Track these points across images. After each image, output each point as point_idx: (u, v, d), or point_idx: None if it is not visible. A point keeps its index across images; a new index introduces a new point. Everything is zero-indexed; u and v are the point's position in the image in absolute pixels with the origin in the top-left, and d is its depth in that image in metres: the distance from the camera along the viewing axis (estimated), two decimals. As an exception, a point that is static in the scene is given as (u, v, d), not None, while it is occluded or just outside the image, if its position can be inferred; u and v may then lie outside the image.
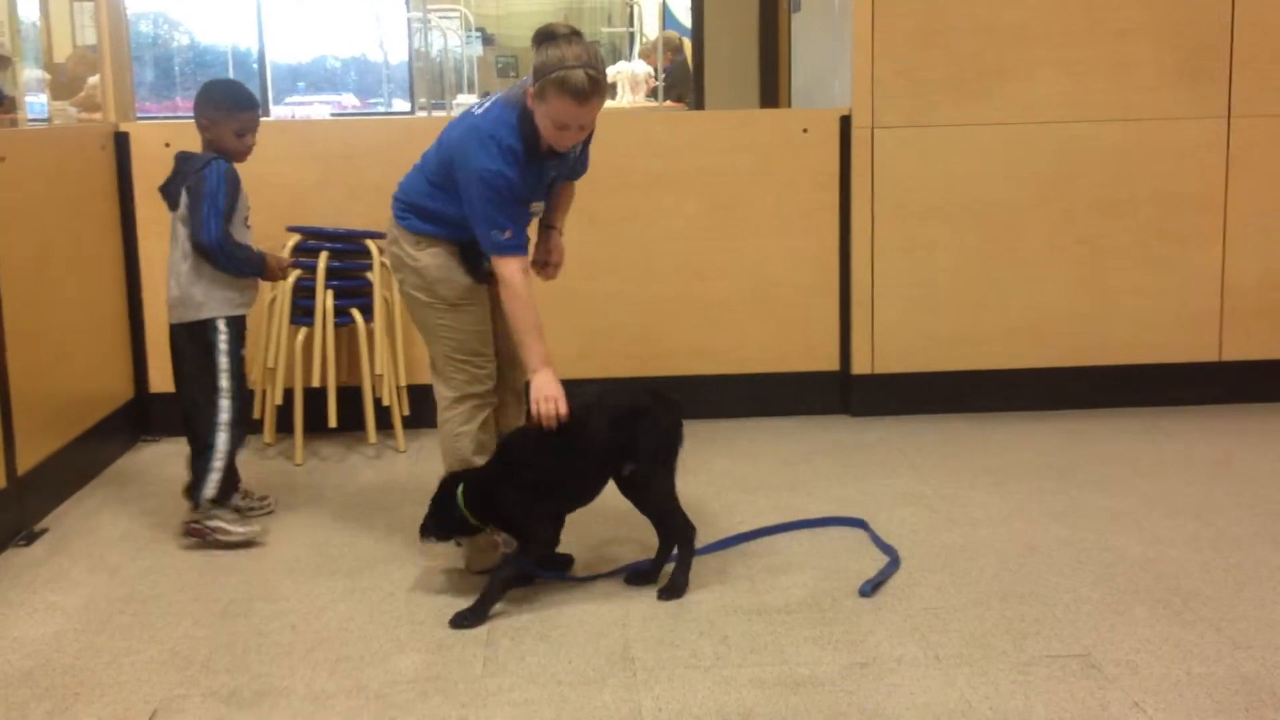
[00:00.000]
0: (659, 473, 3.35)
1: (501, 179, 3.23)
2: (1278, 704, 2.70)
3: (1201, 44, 4.94)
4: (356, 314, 4.62)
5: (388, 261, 3.65)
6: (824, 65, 5.47)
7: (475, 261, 3.45)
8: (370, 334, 4.64)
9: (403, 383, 4.79)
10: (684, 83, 8.68)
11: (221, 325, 3.81)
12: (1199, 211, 5.03)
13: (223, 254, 3.74)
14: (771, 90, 7.09)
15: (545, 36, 3.21)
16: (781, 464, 4.51)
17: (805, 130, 4.96)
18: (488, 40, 11.47)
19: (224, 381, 3.82)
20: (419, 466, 4.56)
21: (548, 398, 3.26)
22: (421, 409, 4.87)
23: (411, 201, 3.48)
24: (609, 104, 8.43)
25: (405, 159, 4.84)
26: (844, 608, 3.23)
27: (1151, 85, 4.95)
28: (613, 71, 8.86)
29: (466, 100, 8.33)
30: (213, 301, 3.80)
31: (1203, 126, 4.99)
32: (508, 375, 3.63)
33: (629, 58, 9.51)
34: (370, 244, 4.70)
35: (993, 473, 4.34)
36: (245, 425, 3.96)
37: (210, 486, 3.76)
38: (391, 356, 4.72)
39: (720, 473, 4.40)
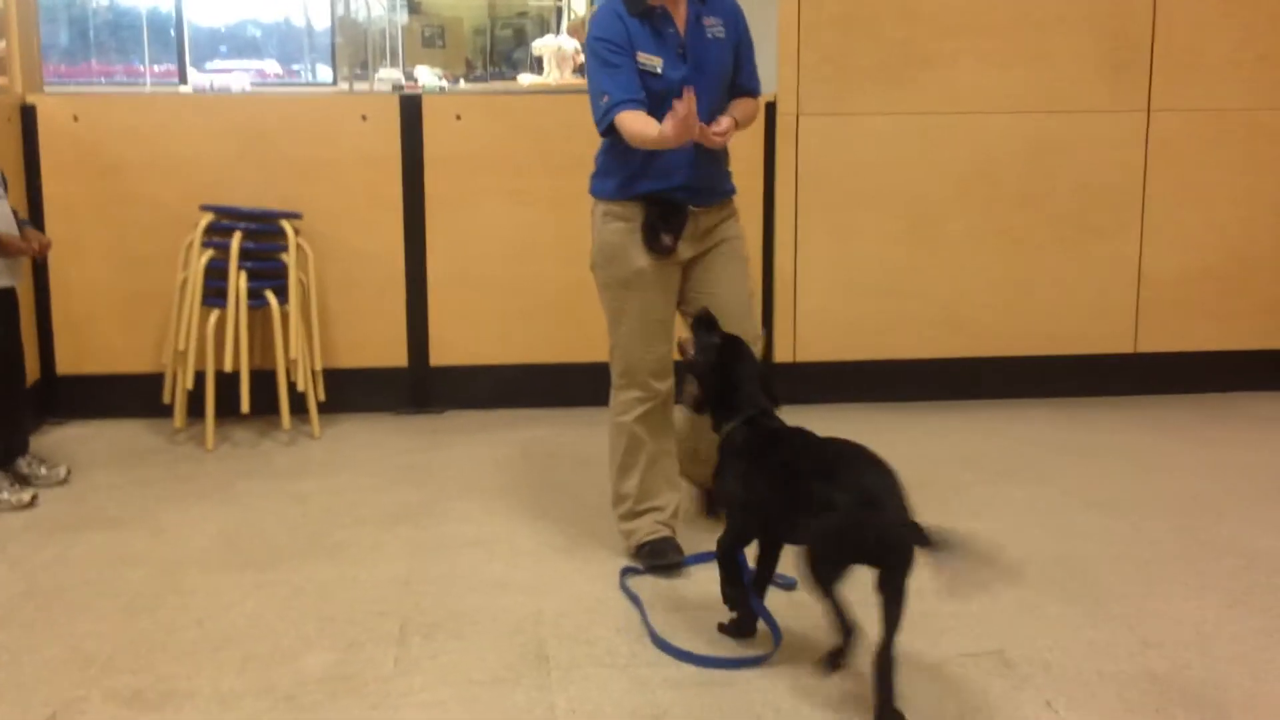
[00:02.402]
0: (808, 570, 2.70)
1: (601, 43, 3.28)
2: (1187, 703, 2.73)
3: (1123, 37, 4.98)
4: (271, 296, 4.52)
5: None
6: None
7: (654, 232, 3.34)
8: (285, 317, 4.54)
9: (318, 367, 4.70)
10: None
11: None
12: (1117, 204, 5.07)
13: None
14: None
15: None
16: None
17: (730, 115, 4.92)
18: (413, 8, 11.29)
19: None
20: (334, 453, 4.48)
21: (672, 127, 3.06)
22: (338, 393, 4.82)
23: (596, 165, 3.49)
24: (534, 80, 8.35)
25: (327, 136, 4.81)
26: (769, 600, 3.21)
27: (1073, 77, 4.98)
28: (539, 46, 8.76)
29: (389, 74, 8.17)
30: None
31: (1123, 119, 5.02)
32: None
33: (556, 33, 9.39)
34: (285, 224, 4.61)
35: (908, 464, 4.32)
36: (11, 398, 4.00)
37: None
38: (307, 340, 4.64)
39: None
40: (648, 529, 3.48)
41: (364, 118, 4.83)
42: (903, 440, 4.62)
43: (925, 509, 3.87)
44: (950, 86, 4.93)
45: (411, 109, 4.85)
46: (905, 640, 2.99)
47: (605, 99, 3.25)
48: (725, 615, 3.10)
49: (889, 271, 5.02)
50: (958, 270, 5.05)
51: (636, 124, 3.20)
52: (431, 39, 11.85)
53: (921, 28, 4.91)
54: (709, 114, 3.29)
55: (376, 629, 3.07)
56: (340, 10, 10.20)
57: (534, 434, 4.71)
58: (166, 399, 4.66)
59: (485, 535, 3.68)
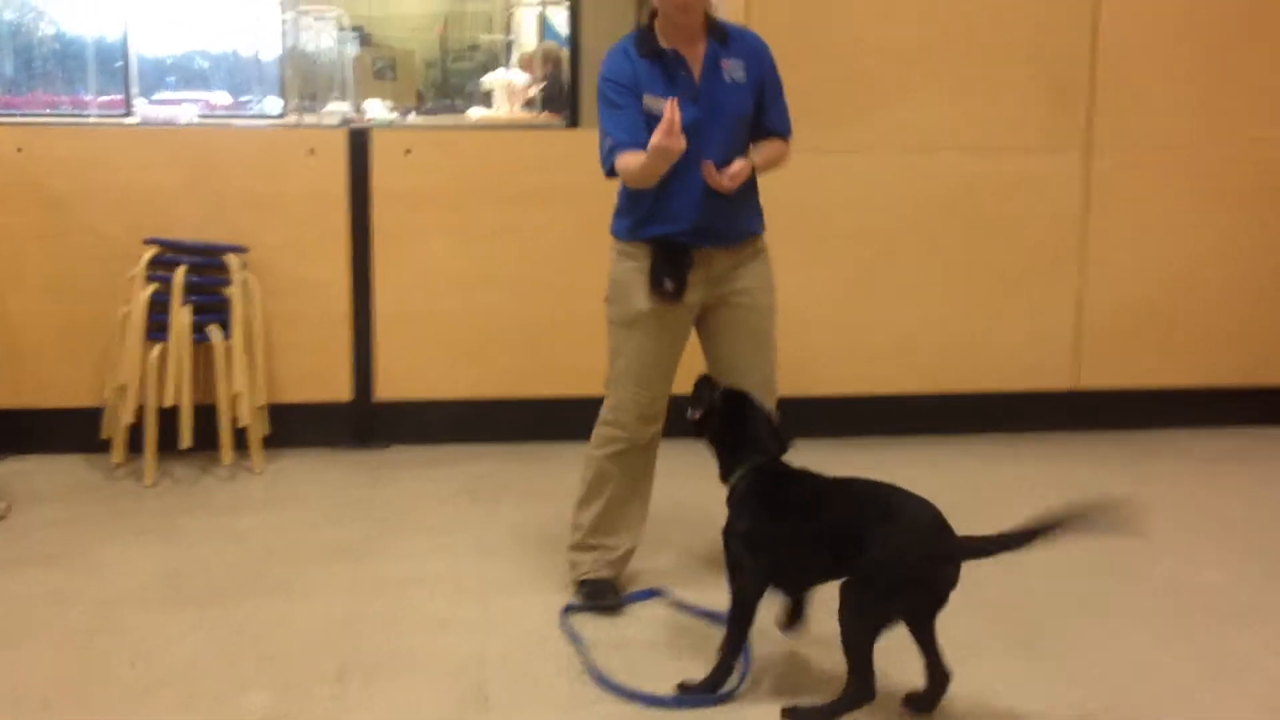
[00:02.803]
0: (860, 606, 2.74)
1: (607, 83, 3.24)
2: (1122, 742, 2.76)
3: (1065, 76, 5.06)
4: (214, 330, 4.48)
5: None
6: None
7: (658, 277, 3.30)
8: (229, 351, 4.50)
9: (261, 401, 4.67)
10: (562, 95, 8.62)
11: None
12: (1060, 241, 5.14)
13: None
14: (648, 107, 7.08)
15: None
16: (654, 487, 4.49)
17: (678, 152, 4.95)
18: (365, 40, 11.26)
19: None
20: (276, 489, 4.44)
21: (660, 140, 2.97)
22: (281, 428, 4.78)
23: (617, 199, 3.44)
24: (484, 114, 8.36)
25: (274, 170, 4.79)
26: (708, 640, 3.20)
27: (1018, 116, 5.05)
28: (489, 80, 8.78)
29: (338, 107, 8.14)
30: None
31: (1065, 157, 5.10)
32: None
33: (506, 67, 9.42)
34: (231, 258, 4.58)
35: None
36: None
37: None
38: (250, 374, 4.60)
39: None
40: (589, 566, 3.48)
41: (312, 151, 4.81)
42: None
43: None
44: (897, 124, 4.97)
45: (360, 143, 4.85)
46: (839, 676, 3.02)
47: (608, 140, 3.23)
48: (669, 651, 3.10)
49: (837, 307, 5.05)
50: (905, 306, 5.09)
51: (629, 160, 3.16)
52: (382, 71, 11.83)
53: (869, 66, 4.96)
54: (723, 157, 3.25)
55: (315, 668, 3.04)
56: (289, 41, 10.13)
57: (479, 469, 4.69)
58: (106, 434, 4.60)
59: (428, 573, 3.66)
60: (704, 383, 3.15)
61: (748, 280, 3.42)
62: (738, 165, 3.23)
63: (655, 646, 3.18)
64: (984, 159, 5.05)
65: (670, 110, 2.97)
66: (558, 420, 5.02)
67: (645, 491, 3.54)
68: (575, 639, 3.20)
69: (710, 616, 3.31)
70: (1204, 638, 3.28)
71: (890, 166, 4.99)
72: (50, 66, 11.60)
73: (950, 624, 3.29)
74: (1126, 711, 2.88)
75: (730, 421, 3.03)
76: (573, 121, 7.19)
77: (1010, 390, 5.19)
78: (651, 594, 3.51)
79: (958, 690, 2.94)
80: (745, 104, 3.36)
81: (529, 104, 8.66)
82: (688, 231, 3.30)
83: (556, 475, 4.61)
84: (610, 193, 4.89)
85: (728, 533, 2.97)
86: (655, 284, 3.31)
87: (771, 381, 3.47)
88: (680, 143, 2.99)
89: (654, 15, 3.30)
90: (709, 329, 3.45)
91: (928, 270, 5.09)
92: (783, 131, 3.49)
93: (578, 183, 4.93)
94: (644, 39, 3.28)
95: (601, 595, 3.43)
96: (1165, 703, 2.92)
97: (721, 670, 2.93)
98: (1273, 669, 3.09)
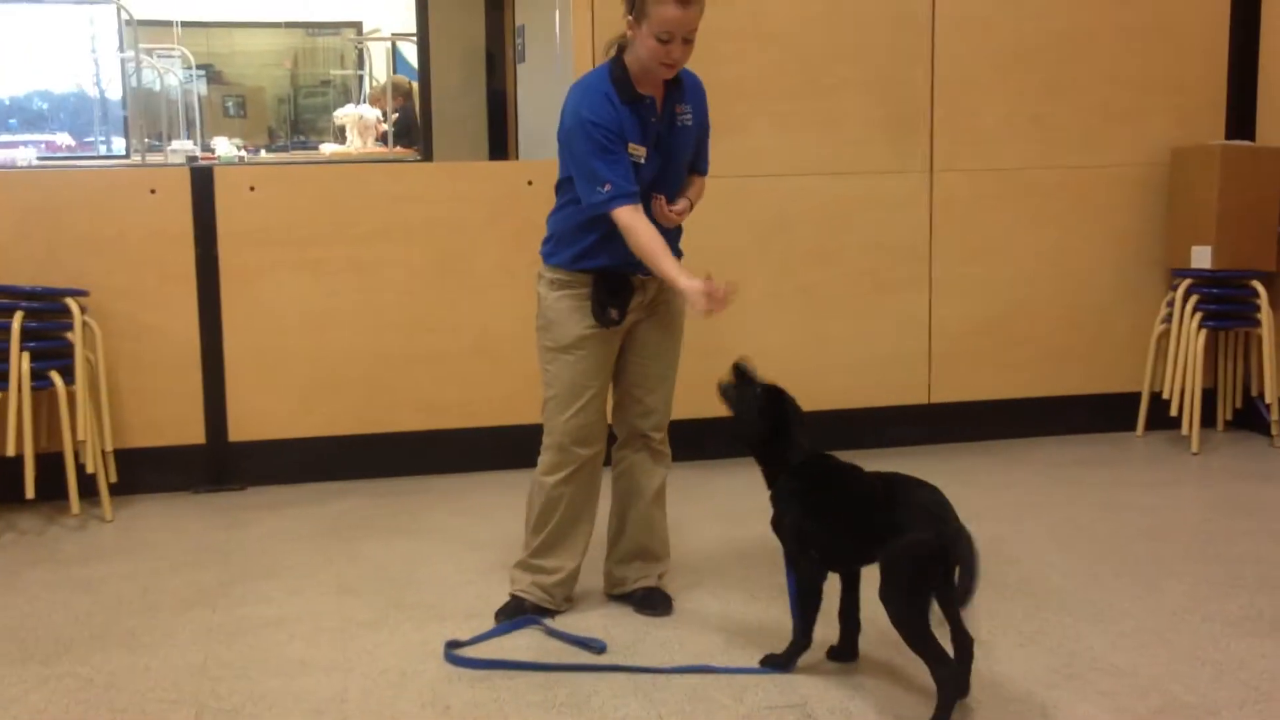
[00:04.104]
0: (899, 597, 2.87)
1: (598, 129, 3.24)
2: (979, 743, 2.81)
3: (905, 102, 5.20)
4: (56, 376, 4.35)
5: None
6: (550, 116, 5.48)
7: (603, 303, 3.37)
8: (71, 397, 4.37)
9: (109, 447, 4.54)
10: (415, 129, 8.60)
11: None
12: (906, 260, 5.27)
13: None
14: (500, 140, 7.08)
15: None
16: (511, 518, 4.46)
17: (530, 182, 4.96)
18: (213, 78, 11.08)
19: None
20: (127, 537, 4.32)
21: (701, 296, 3.12)
22: (132, 474, 4.66)
23: (550, 230, 3.47)
24: (336, 149, 8.28)
25: (114, 211, 4.67)
26: (570, 670, 3.20)
27: (860, 140, 5.18)
28: (340, 115, 8.71)
29: (182, 145, 8.00)
30: None
31: (908, 179, 5.24)
32: (638, 424, 3.56)
33: (358, 102, 9.35)
34: (71, 302, 4.45)
35: (719, 519, 4.42)
36: None
37: None
38: (96, 420, 4.48)
39: (445, 530, 4.34)
40: (523, 585, 3.56)
41: (153, 191, 4.71)
42: (709, 497, 4.68)
43: (731, 568, 3.94)
44: (745, 150, 5.05)
45: (203, 181, 4.76)
46: (710, 693, 3.04)
47: (606, 188, 3.23)
48: (529, 681, 3.08)
49: (691, 331, 5.08)
50: (756, 328, 5.15)
51: (645, 236, 3.21)
52: (232, 109, 11.64)
53: (716, 94, 5.01)
54: (673, 196, 3.42)
55: (170, 718, 2.95)
56: (132, 81, 9.94)
57: (339, 507, 4.62)
58: (-56, 488, 4.44)
59: (286, 615, 3.59)
60: (742, 374, 3.33)
61: (674, 304, 3.55)
62: (682, 204, 3.46)
63: (516, 677, 3.16)
64: (832, 183, 5.17)
65: (727, 292, 3.14)
66: (414, 455, 4.98)
67: (590, 514, 3.59)
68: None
69: (583, 644, 3.31)
70: (1057, 639, 3.37)
71: (741, 192, 5.05)
72: (-121, 109, 11.16)
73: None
74: (983, 714, 2.94)
75: (776, 420, 3.23)
76: (427, 155, 7.16)
77: (867, 406, 5.29)
78: (527, 622, 3.49)
79: (819, 704, 2.99)
80: (691, 146, 3.51)
81: (381, 138, 8.61)
82: (632, 262, 3.36)
83: (414, 510, 4.58)
84: (459, 230, 4.91)
85: (777, 526, 3.18)
86: (599, 313, 3.40)
87: (670, 398, 3.64)
88: (714, 310, 3.17)
89: (621, 51, 3.33)
90: (632, 344, 3.55)
91: (781, 292, 5.18)
92: (704, 170, 3.65)
93: (428, 216, 4.92)
94: (624, 85, 3.31)
95: (510, 614, 3.51)
96: (1020, 704, 3.00)
97: (795, 649, 3.16)
98: (1121, 664, 3.20)
